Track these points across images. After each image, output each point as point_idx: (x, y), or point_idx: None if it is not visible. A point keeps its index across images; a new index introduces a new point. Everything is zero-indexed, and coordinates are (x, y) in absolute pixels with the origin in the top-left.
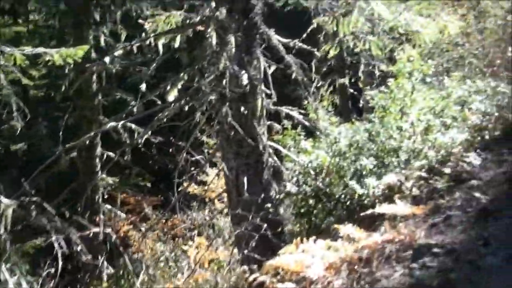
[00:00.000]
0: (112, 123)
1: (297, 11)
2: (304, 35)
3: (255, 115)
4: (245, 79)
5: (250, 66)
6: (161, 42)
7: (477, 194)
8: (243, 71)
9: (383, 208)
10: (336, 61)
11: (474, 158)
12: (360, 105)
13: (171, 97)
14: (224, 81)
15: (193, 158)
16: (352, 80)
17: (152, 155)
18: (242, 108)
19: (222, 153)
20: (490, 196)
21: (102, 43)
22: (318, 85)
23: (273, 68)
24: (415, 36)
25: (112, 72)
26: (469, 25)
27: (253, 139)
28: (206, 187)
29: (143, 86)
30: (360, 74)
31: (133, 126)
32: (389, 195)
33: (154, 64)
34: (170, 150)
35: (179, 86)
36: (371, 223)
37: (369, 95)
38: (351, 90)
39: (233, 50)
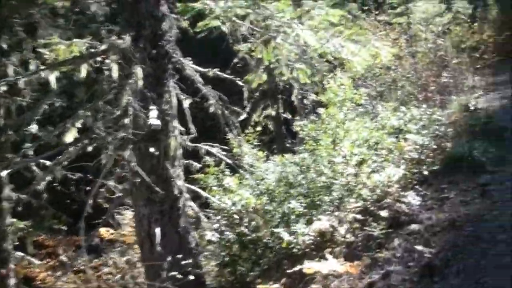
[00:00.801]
0: (21, 160)
1: (214, 38)
2: (233, 63)
3: (167, 155)
4: (153, 115)
5: (160, 100)
6: (53, 76)
7: (419, 248)
8: (153, 107)
9: (313, 265)
10: (269, 86)
11: (412, 198)
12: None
13: (69, 138)
14: (127, 120)
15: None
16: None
17: (69, 194)
18: (152, 149)
19: (131, 199)
20: (435, 248)
21: (11, 72)
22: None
23: (188, 101)
24: (347, 64)
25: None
26: (401, 49)
27: (166, 183)
28: (123, 232)
29: (34, 127)
30: (293, 99)
31: (48, 163)
32: (321, 242)
33: (44, 104)
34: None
35: (79, 125)
36: (301, 280)
37: (299, 126)
38: (285, 116)
39: (139, 83)
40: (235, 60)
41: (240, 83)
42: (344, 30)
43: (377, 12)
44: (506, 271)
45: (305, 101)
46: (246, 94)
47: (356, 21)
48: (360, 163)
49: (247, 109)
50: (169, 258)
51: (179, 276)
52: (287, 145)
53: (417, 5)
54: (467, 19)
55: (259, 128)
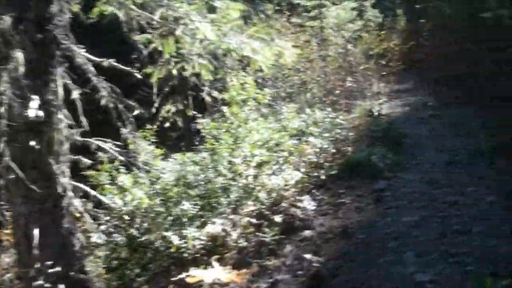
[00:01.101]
0: None
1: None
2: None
3: (51, 149)
4: (33, 106)
5: (46, 89)
6: None
7: (308, 256)
8: (35, 96)
9: (198, 273)
10: (178, 81)
11: (308, 203)
12: None
13: None
14: (2, 109)
15: None
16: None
17: None
18: (33, 142)
19: (8, 196)
20: (324, 257)
21: None
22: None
23: (77, 92)
24: (251, 62)
25: None
26: (312, 52)
27: (49, 180)
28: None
29: None
30: (203, 95)
31: None
32: (212, 247)
33: None
34: None
35: None
36: None
37: (201, 123)
38: (194, 112)
39: (20, 69)
40: (138, 52)
41: (138, 76)
42: (249, 27)
43: (289, 14)
44: (394, 282)
45: (209, 99)
46: (155, 89)
47: (268, 21)
48: (260, 165)
49: (156, 104)
50: (49, 262)
51: (60, 280)
52: (196, 142)
53: (330, 10)
54: (376, 27)
55: (167, 124)
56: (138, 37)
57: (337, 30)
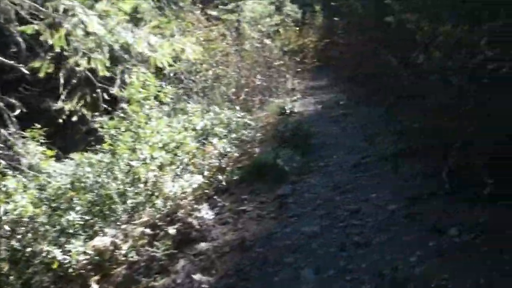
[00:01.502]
0: None
1: None
2: None
3: None
4: None
5: None
6: None
7: (197, 277)
8: None
9: None
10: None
11: (206, 212)
12: None
13: None
14: None
15: None
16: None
17: None
18: None
19: None
20: (216, 276)
21: None
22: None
23: None
24: (150, 58)
25: None
26: (228, 45)
27: None
28: None
29: None
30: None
31: None
32: (100, 261)
33: None
34: None
35: None
36: None
37: (99, 122)
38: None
39: None
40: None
41: (25, 70)
42: (147, 21)
43: (203, 6)
44: None
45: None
46: (62, 82)
47: (180, 13)
48: (160, 169)
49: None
50: None
51: None
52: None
53: (247, 3)
54: (294, 23)
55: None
56: (21, 28)
57: (254, 24)
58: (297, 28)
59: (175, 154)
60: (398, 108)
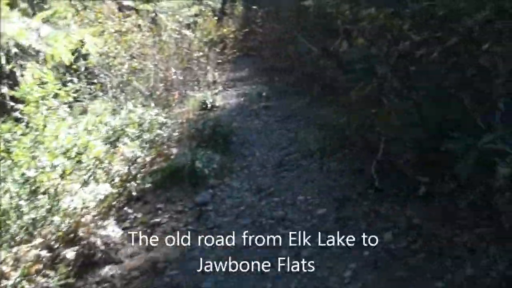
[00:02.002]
0: None
1: None
2: None
3: None
4: None
5: None
6: None
7: None
8: None
9: None
10: None
11: (113, 229)
12: None
13: None
14: None
15: None
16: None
17: None
18: None
19: None
20: None
21: None
22: None
23: None
24: (46, 52)
25: None
26: (144, 37)
27: None
28: None
29: None
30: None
31: None
32: None
33: None
34: None
35: None
36: None
37: None
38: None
39: None
40: None
41: None
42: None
43: None
44: None
45: None
46: None
47: (89, 3)
48: (62, 178)
49: None
50: None
51: None
52: None
53: None
54: (213, 14)
55: None
56: None
57: (172, 14)
58: (217, 18)
59: (79, 161)
60: (322, 100)
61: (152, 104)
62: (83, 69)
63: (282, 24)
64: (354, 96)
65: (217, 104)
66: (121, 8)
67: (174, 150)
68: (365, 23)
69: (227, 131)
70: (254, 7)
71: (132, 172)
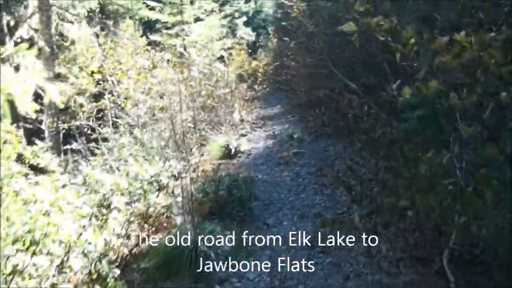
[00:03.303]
0: None
1: None
2: None
3: None
4: None
5: None
6: None
7: None
8: None
9: None
10: None
11: None
12: None
13: None
14: None
15: None
16: None
17: None
18: None
19: None
20: None
21: None
22: None
23: None
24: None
25: None
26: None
27: None
28: None
29: None
30: None
31: None
32: None
33: None
34: None
35: None
36: None
37: None
38: None
39: None
40: None
41: None
42: None
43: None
44: None
45: None
46: None
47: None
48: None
49: None
50: None
51: None
52: None
53: (192, 26)
54: (247, 46)
55: None
56: None
57: (201, 48)
58: (250, 51)
59: (38, 251)
60: (364, 149)
61: (167, 151)
62: (94, 112)
63: (315, 56)
64: (423, 168)
65: (241, 149)
66: (150, 43)
67: (179, 220)
68: (447, 58)
69: (247, 193)
70: (286, 38)
71: (111, 258)
